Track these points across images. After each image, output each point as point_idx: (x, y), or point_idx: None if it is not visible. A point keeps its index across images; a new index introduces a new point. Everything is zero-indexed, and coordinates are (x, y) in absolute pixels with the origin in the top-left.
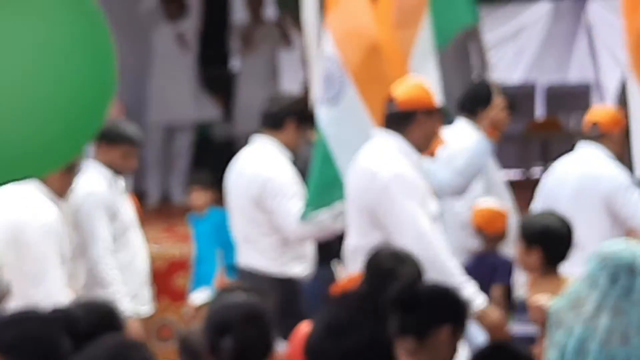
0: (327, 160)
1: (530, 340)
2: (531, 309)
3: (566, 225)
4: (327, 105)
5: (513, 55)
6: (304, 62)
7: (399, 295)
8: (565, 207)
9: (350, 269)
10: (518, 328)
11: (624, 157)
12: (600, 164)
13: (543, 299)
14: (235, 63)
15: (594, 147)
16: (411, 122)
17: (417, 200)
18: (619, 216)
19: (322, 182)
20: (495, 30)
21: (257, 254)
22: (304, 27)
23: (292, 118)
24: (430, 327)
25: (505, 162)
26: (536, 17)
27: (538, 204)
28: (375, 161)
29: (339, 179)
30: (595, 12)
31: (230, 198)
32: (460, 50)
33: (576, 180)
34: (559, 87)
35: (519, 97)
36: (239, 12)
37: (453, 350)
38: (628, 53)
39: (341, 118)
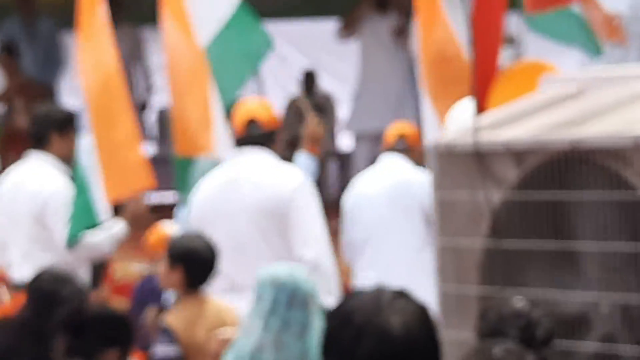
0: (82, 187)
1: None
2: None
3: (210, 248)
4: (82, 134)
5: None
6: None
7: (65, 318)
8: (379, 215)
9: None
10: (160, 349)
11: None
12: (409, 171)
13: (227, 332)
14: None
15: (398, 158)
16: (275, 140)
17: (318, 209)
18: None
19: (79, 207)
20: (162, 53)
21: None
22: None
23: (53, 130)
24: (97, 351)
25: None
26: None
27: (346, 221)
28: (275, 174)
29: (91, 205)
30: None
31: (6, 216)
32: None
33: (389, 187)
34: None
35: None
36: None
37: None
38: (423, 73)
39: (91, 147)
